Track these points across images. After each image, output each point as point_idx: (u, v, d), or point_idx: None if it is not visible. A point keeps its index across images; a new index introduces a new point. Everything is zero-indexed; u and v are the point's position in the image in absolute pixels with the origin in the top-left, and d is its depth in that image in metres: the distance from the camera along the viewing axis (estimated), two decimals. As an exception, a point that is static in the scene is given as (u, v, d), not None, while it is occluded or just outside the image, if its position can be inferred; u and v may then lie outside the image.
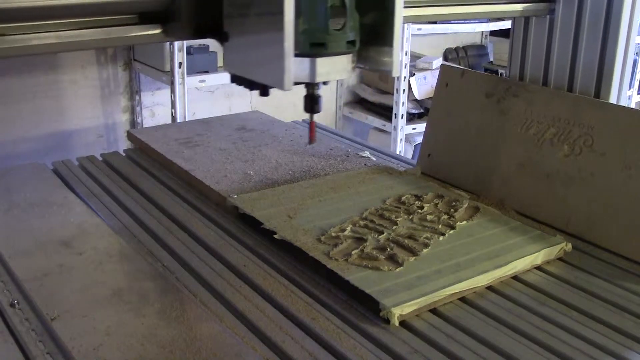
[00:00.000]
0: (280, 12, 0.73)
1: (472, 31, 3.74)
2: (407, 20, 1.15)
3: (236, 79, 0.89)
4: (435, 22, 3.37)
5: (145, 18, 0.91)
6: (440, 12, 1.32)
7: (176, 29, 0.89)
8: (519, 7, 1.42)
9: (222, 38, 0.87)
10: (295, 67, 0.75)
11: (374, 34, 0.82)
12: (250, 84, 0.87)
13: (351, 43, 0.80)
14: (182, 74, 2.65)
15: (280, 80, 0.75)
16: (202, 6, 0.88)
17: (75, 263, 1.14)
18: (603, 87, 1.38)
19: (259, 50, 0.80)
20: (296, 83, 0.78)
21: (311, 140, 0.95)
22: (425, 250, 1.18)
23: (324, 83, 0.83)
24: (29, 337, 0.95)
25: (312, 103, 0.82)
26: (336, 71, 0.80)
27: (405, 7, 0.86)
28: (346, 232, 1.24)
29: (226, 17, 0.86)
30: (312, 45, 0.76)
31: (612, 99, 1.37)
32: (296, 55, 0.75)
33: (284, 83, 0.75)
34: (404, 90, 3.24)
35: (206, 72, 2.76)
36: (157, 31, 0.92)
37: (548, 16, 1.44)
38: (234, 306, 1.05)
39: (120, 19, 0.90)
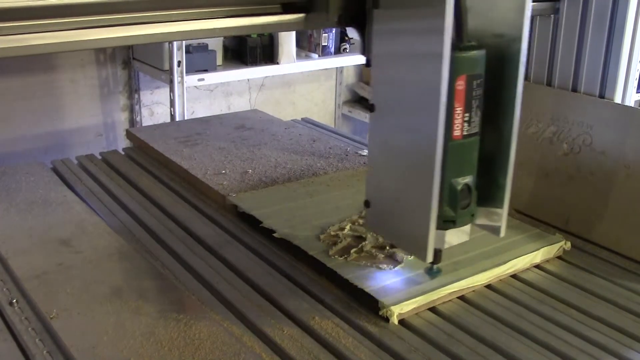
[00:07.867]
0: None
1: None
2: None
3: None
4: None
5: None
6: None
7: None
8: None
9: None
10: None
11: (485, 198, 0.99)
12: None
13: (473, 216, 0.98)
14: (181, 73, 2.65)
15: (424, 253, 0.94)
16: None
17: (74, 262, 1.14)
18: (607, 88, 1.35)
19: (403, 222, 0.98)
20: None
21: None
22: (424, 249, 1.18)
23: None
24: (28, 335, 0.95)
25: (436, 260, 0.98)
26: (458, 237, 0.98)
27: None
28: (345, 231, 1.24)
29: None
30: (445, 222, 0.94)
31: (617, 100, 1.35)
32: None
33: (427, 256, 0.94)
34: (403, 88, 3.23)
35: (205, 70, 2.76)
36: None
37: (552, 16, 1.41)
38: (233, 305, 1.05)
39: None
